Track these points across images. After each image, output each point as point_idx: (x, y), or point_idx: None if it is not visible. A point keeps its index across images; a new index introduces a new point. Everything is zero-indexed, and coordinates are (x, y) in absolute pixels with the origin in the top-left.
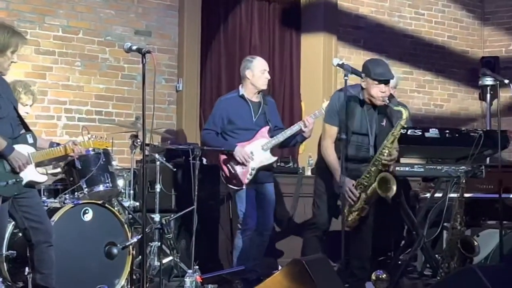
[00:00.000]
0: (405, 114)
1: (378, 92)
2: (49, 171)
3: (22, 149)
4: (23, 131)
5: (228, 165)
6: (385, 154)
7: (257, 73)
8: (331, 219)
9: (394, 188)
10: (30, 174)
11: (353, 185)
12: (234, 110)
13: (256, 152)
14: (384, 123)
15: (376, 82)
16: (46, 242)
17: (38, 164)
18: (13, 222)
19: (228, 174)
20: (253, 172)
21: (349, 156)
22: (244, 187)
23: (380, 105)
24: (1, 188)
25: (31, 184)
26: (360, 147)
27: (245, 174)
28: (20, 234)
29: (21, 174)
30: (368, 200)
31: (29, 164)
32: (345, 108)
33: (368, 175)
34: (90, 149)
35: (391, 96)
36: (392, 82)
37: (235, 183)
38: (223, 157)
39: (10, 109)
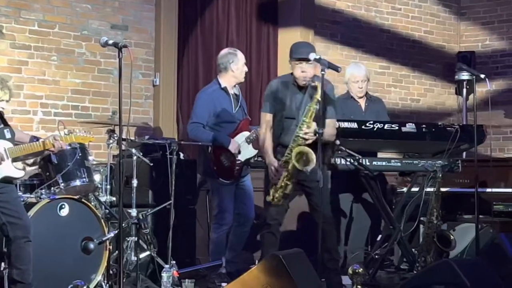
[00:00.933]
0: (318, 88)
1: (299, 72)
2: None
3: None
4: (1, 125)
5: (221, 158)
6: (303, 129)
7: (240, 66)
8: (281, 213)
9: (313, 159)
10: (6, 169)
11: (279, 165)
12: (219, 103)
13: (242, 145)
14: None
15: (297, 62)
16: (24, 237)
17: (15, 159)
18: None
19: (219, 168)
20: (240, 165)
21: (285, 141)
22: (232, 180)
23: (303, 85)
24: None
25: (8, 180)
26: (291, 131)
27: (233, 167)
28: None
29: None
30: (290, 176)
31: (4, 160)
32: (286, 95)
33: (289, 152)
34: (66, 143)
35: (314, 77)
36: (362, 75)
37: (225, 176)
38: (216, 150)
39: None
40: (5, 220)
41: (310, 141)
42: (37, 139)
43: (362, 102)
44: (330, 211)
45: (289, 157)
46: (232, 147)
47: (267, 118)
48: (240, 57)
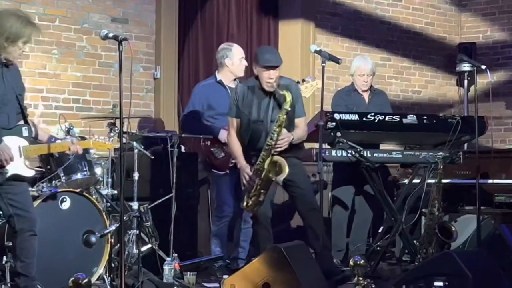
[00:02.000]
0: (288, 98)
1: (266, 78)
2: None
3: (13, 141)
4: (21, 122)
5: (212, 149)
6: (274, 138)
7: (236, 61)
8: (267, 207)
9: (285, 170)
10: (16, 167)
11: (252, 172)
12: (213, 95)
13: None
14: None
15: (264, 69)
16: (30, 230)
17: (27, 158)
18: None
19: (211, 159)
20: None
21: (250, 145)
22: (227, 171)
23: (269, 91)
24: None
25: (17, 178)
26: (260, 135)
27: (228, 158)
28: None
29: (7, 166)
30: (263, 184)
31: (13, 159)
32: (252, 100)
33: (261, 160)
34: (68, 136)
35: (281, 79)
36: (369, 69)
37: (219, 168)
38: (206, 142)
39: (12, 98)
40: (12, 212)
41: (282, 149)
42: (55, 139)
43: (366, 95)
44: (315, 201)
45: (261, 165)
46: (222, 137)
47: (233, 122)
48: (236, 51)
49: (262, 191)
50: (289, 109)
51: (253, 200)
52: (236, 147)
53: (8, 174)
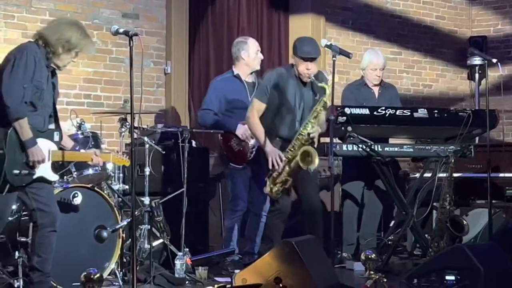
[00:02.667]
0: (328, 91)
1: (304, 69)
2: None
3: (45, 145)
4: (52, 126)
5: (230, 143)
6: (308, 129)
7: (252, 54)
8: (292, 205)
9: (316, 161)
10: (43, 170)
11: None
12: (230, 89)
13: None
14: (318, 97)
15: (303, 60)
16: (51, 226)
17: (54, 163)
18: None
19: (229, 153)
20: (254, 150)
21: (283, 133)
22: (244, 164)
23: (306, 81)
24: (13, 176)
25: (43, 180)
26: (292, 123)
27: (246, 152)
28: (10, 219)
29: (36, 169)
30: (291, 172)
31: (44, 162)
32: (287, 88)
33: (292, 149)
34: (79, 132)
35: (319, 73)
36: (381, 64)
37: (236, 161)
38: (224, 135)
39: (49, 103)
40: (36, 206)
41: (314, 140)
42: (79, 148)
43: (376, 89)
44: (319, 202)
45: (292, 154)
46: (239, 132)
47: (260, 107)
48: (251, 44)
49: (288, 178)
50: (328, 102)
51: (278, 186)
52: (261, 131)
53: (35, 176)
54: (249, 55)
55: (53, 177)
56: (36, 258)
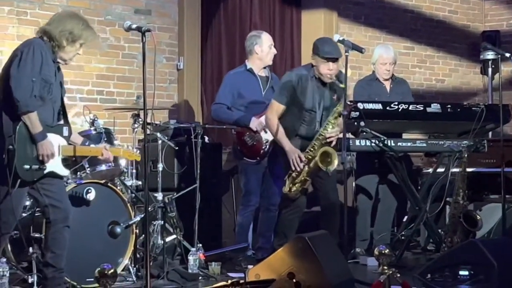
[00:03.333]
0: (348, 92)
1: (325, 69)
2: None
3: (55, 140)
4: (61, 121)
5: (244, 137)
6: (329, 129)
7: (265, 48)
8: (305, 202)
9: (335, 162)
10: (54, 165)
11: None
12: (243, 84)
13: None
14: (335, 98)
15: (324, 60)
16: (64, 221)
17: (65, 158)
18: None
19: (243, 147)
20: (267, 145)
21: (303, 133)
22: (258, 159)
23: (327, 82)
24: (23, 171)
25: (54, 175)
26: (312, 123)
27: (260, 146)
28: (24, 215)
29: (46, 163)
30: (310, 172)
31: (54, 156)
32: (306, 89)
33: (312, 149)
34: (92, 128)
35: (339, 73)
36: (391, 58)
37: (250, 156)
38: (238, 130)
39: (58, 97)
40: (48, 202)
41: (333, 140)
42: (89, 143)
43: (387, 84)
44: (337, 198)
45: (311, 154)
46: (253, 125)
47: (279, 109)
48: (265, 39)
49: (307, 178)
50: (331, 119)
51: (297, 186)
52: (281, 132)
53: (46, 171)
54: (262, 49)
55: (64, 172)
56: (50, 254)
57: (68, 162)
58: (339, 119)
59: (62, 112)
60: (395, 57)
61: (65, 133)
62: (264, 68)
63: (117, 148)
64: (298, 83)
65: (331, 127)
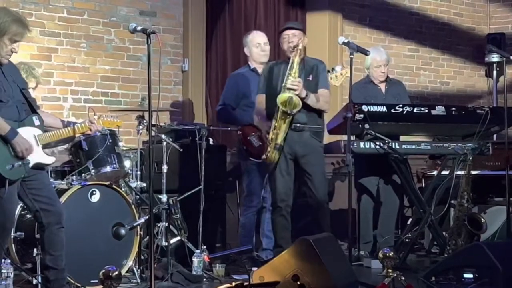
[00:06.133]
0: (294, 59)
1: (286, 44)
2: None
3: (28, 132)
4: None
5: (249, 138)
6: (289, 80)
7: (251, 47)
8: (289, 194)
9: (299, 102)
10: (37, 156)
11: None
12: (246, 84)
13: None
14: (310, 78)
15: (282, 33)
16: (57, 223)
17: (45, 146)
18: (21, 203)
19: (249, 147)
20: None
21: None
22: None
23: (294, 57)
24: (7, 171)
25: (40, 166)
26: None
27: (266, 146)
28: (28, 216)
29: (28, 157)
30: (279, 123)
31: (33, 147)
32: (277, 73)
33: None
34: (80, 120)
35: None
36: (384, 60)
37: (256, 155)
38: (243, 131)
39: (16, 93)
40: (38, 207)
41: (298, 91)
42: (73, 123)
43: (382, 86)
44: (324, 193)
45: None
46: (258, 123)
47: (260, 98)
48: (251, 38)
49: (279, 132)
50: (290, 71)
51: (271, 147)
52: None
53: (31, 164)
54: (249, 50)
55: (49, 160)
56: (48, 257)
57: (50, 148)
58: (295, 67)
59: (27, 103)
60: (388, 58)
61: (36, 122)
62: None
63: (96, 121)
64: (268, 70)
65: (291, 77)
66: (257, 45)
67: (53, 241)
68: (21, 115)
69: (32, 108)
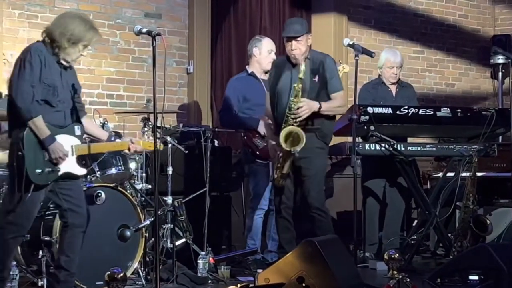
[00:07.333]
0: (302, 67)
1: (287, 49)
2: None
3: (66, 140)
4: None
5: (254, 140)
6: (291, 109)
7: (264, 52)
8: (289, 197)
9: (303, 141)
10: (68, 165)
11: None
12: (247, 88)
13: None
14: (316, 79)
15: (285, 39)
16: (81, 226)
17: (81, 157)
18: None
19: (254, 150)
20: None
21: (277, 117)
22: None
23: (294, 62)
24: (36, 175)
25: (69, 176)
26: (282, 106)
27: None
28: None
29: (60, 165)
30: (284, 156)
31: (67, 157)
32: (280, 74)
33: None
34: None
35: (314, 53)
36: (398, 62)
37: (262, 157)
38: (248, 133)
39: (67, 99)
40: (67, 206)
41: (301, 118)
42: (115, 138)
43: (393, 88)
44: (316, 198)
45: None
46: (261, 129)
47: (266, 97)
48: (266, 43)
49: (284, 163)
50: (302, 77)
51: (278, 173)
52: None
53: (60, 172)
54: (260, 52)
55: (80, 171)
56: (65, 258)
57: (85, 160)
58: (300, 97)
59: (75, 112)
60: (401, 61)
61: (77, 132)
62: (266, 73)
63: (143, 141)
64: (274, 70)
65: (293, 105)
66: (269, 51)
67: (73, 243)
68: (67, 121)
69: (78, 116)
